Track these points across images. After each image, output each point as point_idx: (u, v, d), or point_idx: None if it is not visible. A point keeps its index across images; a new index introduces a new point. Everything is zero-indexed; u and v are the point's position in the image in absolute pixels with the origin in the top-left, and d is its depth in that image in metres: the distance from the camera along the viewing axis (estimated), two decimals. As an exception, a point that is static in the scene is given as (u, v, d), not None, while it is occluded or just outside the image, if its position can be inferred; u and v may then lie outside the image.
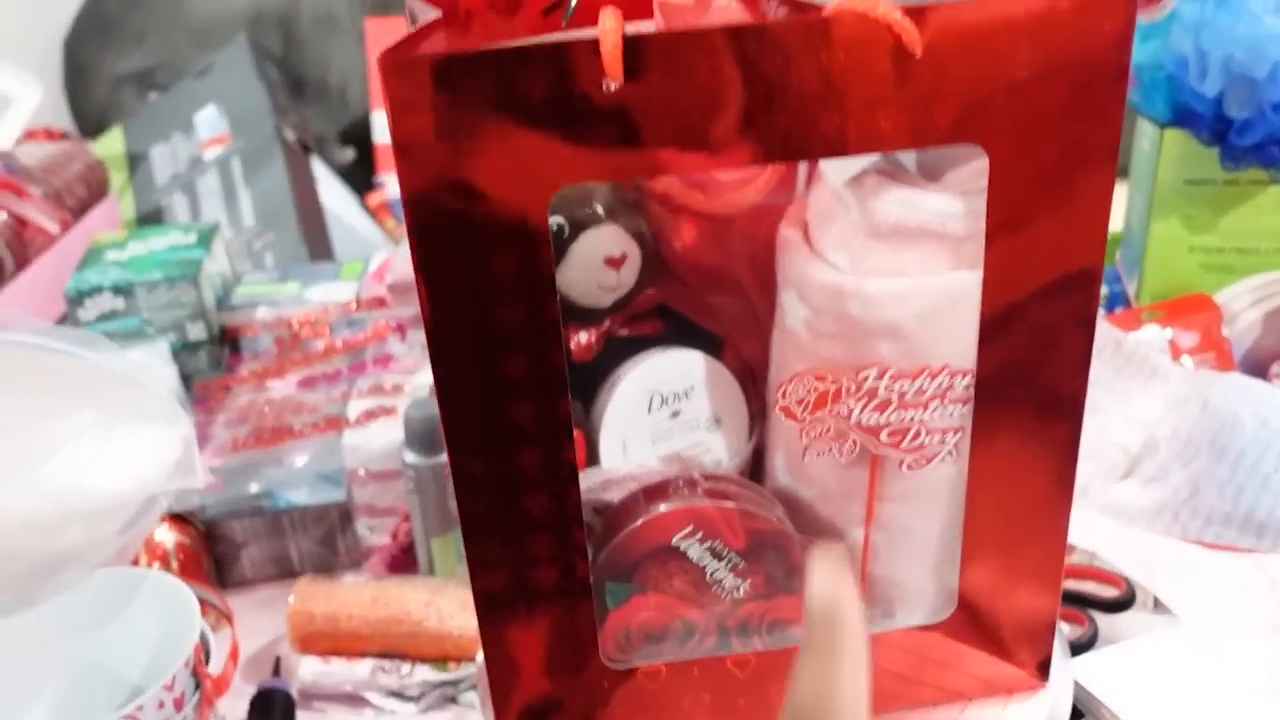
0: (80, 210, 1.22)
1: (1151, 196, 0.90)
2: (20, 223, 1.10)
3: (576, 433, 0.49)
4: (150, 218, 1.36)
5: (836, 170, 0.44)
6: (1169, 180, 0.89)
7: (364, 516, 0.79)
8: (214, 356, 0.89)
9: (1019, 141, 0.39)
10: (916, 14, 0.37)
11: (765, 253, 0.49)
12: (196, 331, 0.87)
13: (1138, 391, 0.78)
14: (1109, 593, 0.66)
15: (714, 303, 0.52)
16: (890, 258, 0.43)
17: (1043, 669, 0.51)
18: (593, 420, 0.49)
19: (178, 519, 0.76)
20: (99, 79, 1.63)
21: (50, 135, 1.45)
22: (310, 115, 1.57)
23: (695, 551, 0.45)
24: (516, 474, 0.43)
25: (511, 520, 0.44)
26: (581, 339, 0.49)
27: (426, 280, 0.39)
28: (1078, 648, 0.62)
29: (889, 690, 0.50)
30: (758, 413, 0.52)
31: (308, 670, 0.70)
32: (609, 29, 0.35)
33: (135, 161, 1.42)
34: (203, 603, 0.68)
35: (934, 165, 0.44)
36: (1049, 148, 0.40)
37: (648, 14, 0.47)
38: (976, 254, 0.41)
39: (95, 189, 1.31)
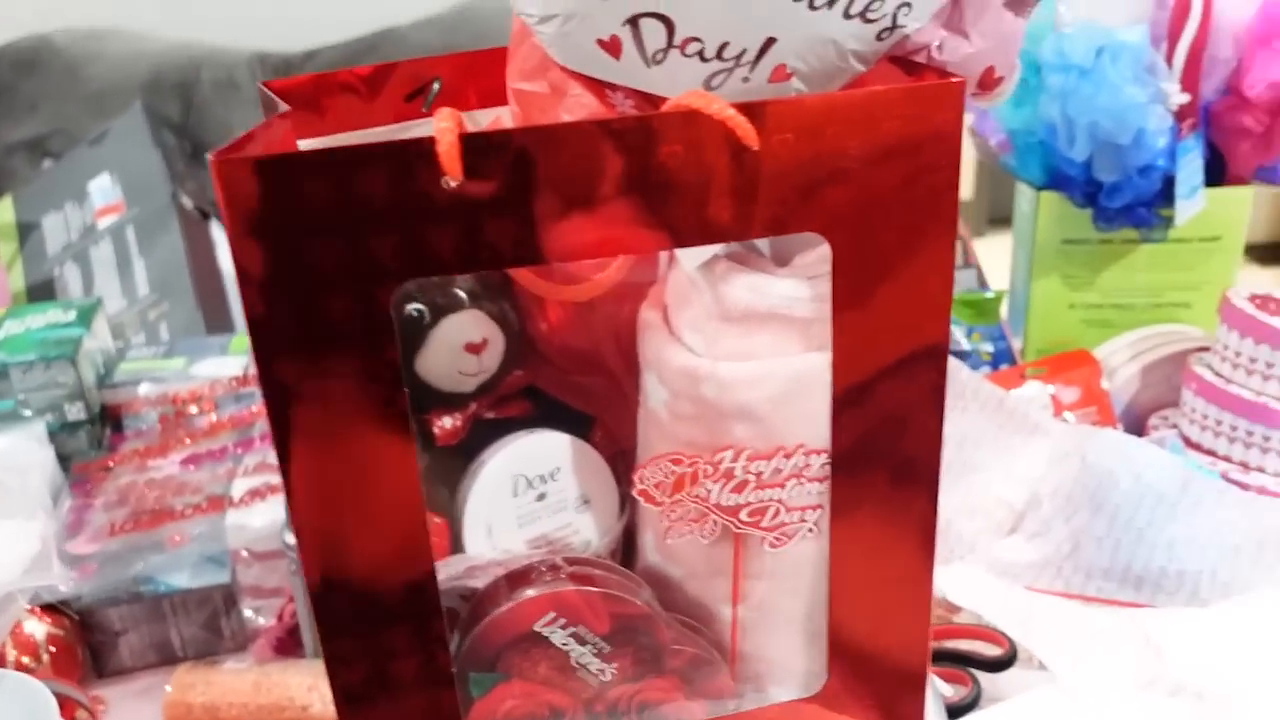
0: (-35, 282, 1.19)
1: (1032, 255, 0.93)
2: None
3: (439, 520, 0.48)
4: (41, 288, 1.33)
5: (691, 254, 0.44)
6: (1047, 240, 0.92)
7: (249, 598, 0.76)
8: (94, 436, 0.86)
9: (858, 227, 0.40)
10: (753, 110, 0.37)
11: (629, 333, 0.49)
12: (75, 411, 0.85)
13: (1020, 448, 0.80)
14: (993, 651, 0.67)
15: (583, 383, 0.52)
16: (742, 341, 0.43)
17: (916, 737, 0.51)
18: (457, 505, 0.48)
19: (49, 609, 0.73)
20: (-10, 146, 1.59)
21: (-60, 207, 1.41)
22: (208, 181, 1.55)
23: (559, 637, 0.45)
24: (371, 580, 0.42)
25: (367, 614, 0.43)
26: (446, 423, 0.49)
27: (265, 380, 0.38)
28: (962, 708, 0.63)
29: (766, 767, 0.50)
30: (627, 492, 0.52)
31: (186, 764, 0.67)
32: (443, 128, 0.35)
33: (26, 231, 1.38)
34: (68, 701, 0.65)
35: (784, 249, 0.45)
36: (887, 232, 0.41)
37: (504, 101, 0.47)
38: (826, 336, 0.42)
39: (-18, 260, 1.27)
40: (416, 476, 0.40)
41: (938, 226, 0.41)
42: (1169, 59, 0.82)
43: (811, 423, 0.43)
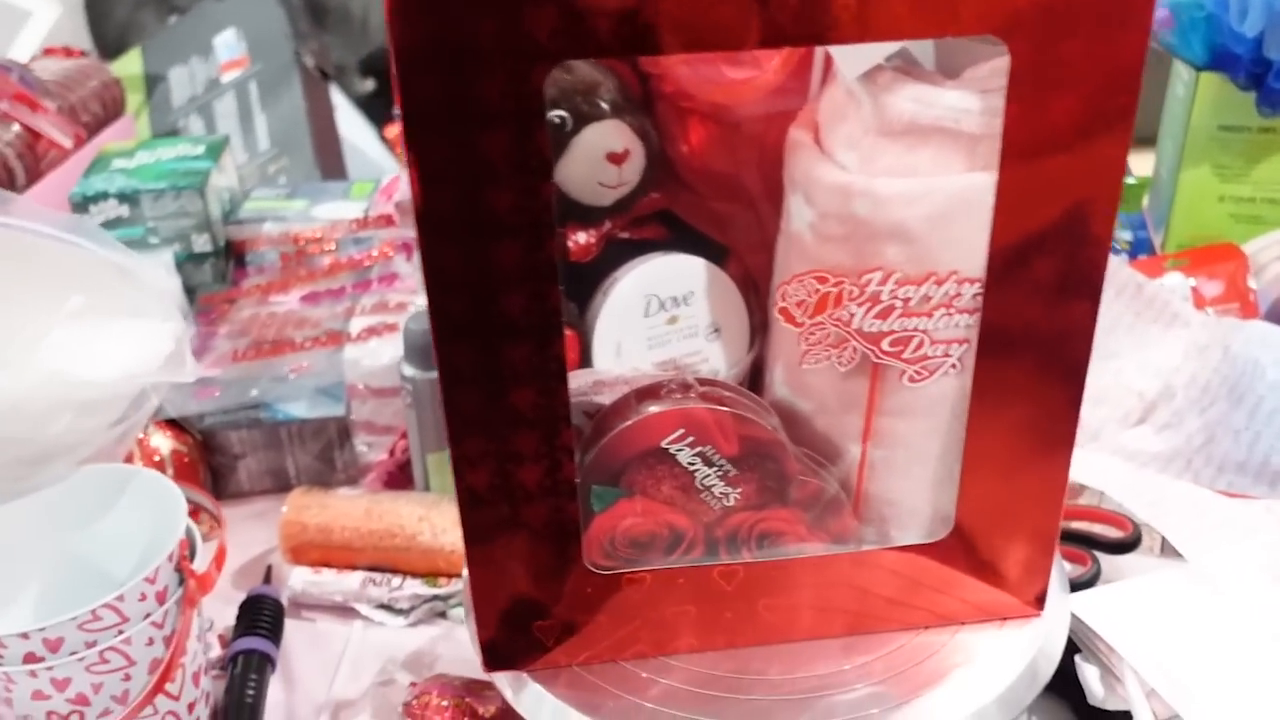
0: (96, 127, 1.21)
1: (1183, 143, 0.87)
2: (34, 135, 1.09)
3: (569, 332, 0.47)
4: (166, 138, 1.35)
5: (850, 65, 0.42)
6: (1202, 126, 0.86)
7: (362, 433, 0.78)
8: (219, 270, 0.88)
9: (1043, 42, 0.37)
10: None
11: (774, 160, 0.47)
12: (202, 243, 0.86)
13: (1157, 338, 0.76)
14: (1114, 534, 0.65)
15: (720, 211, 0.50)
16: (902, 157, 0.41)
17: (1039, 599, 0.50)
18: (588, 321, 0.48)
19: (174, 425, 0.75)
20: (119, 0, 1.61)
21: (69, 54, 1.44)
22: (331, 43, 1.55)
23: (685, 456, 0.44)
24: (503, 367, 0.41)
25: (497, 415, 0.42)
26: (580, 239, 0.48)
27: (417, 158, 0.38)
28: (1078, 586, 0.61)
29: (878, 612, 0.49)
30: (759, 325, 0.50)
31: (298, 579, 0.70)
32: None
33: (153, 83, 1.41)
34: (194, 506, 0.67)
35: (953, 62, 0.42)
36: (1074, 51, 0.38)
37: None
38: (993, 155, 0.39)
39: (111, 107, 1.29)
40: (557, 279, 0.39)
41: (1127, 54, 0.38)
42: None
43: (967, 249, 0.41)
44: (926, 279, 0.42)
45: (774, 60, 0.44)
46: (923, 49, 0.43)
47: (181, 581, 0.55)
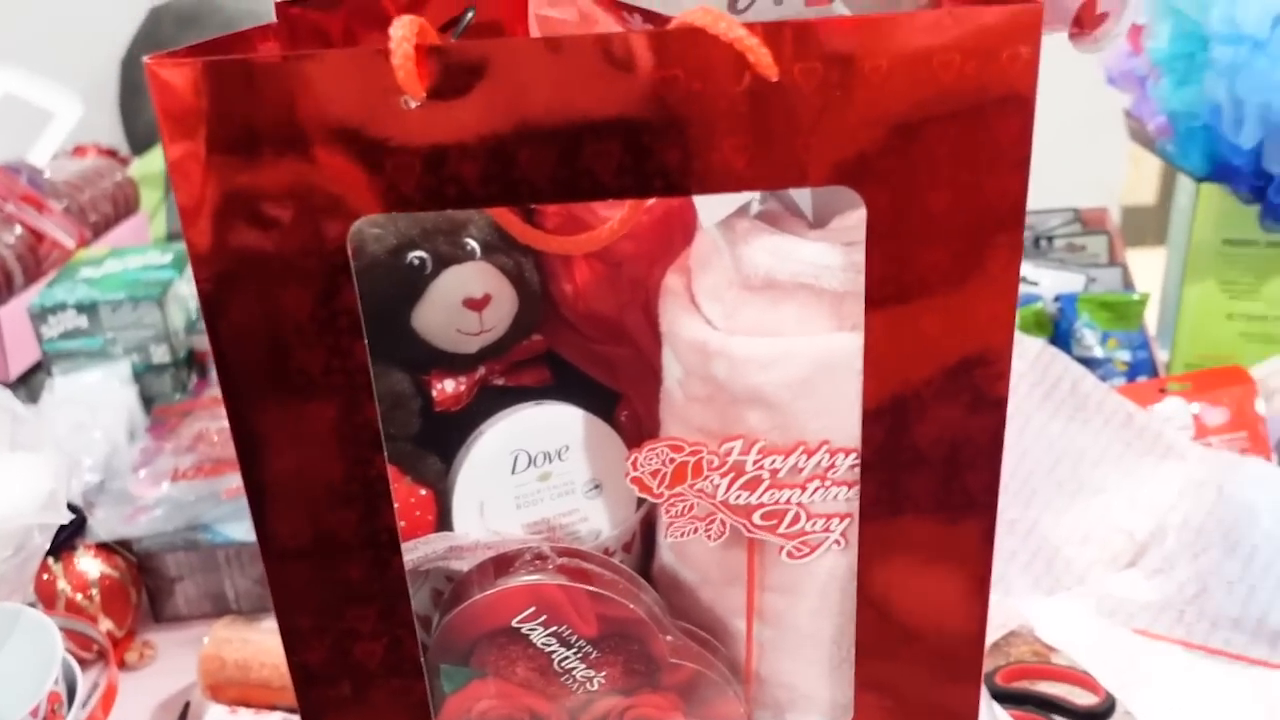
0: (105, 226, 1.22)
1: (1186, 255, 0.82)
2: (36, 237, 1.10)
3: (426, 492, 0.44)
4: (180, 238, 1.36)
5: (708, 210, 0.38)
6: (1206, 240, 0.81)
7: (302, 557, 0.74)
8: (179, 380, 0.86)
9: (902, 192, 0.33)
10: (771, 31, 0.31)
11: (658, 302, 0.43)
12: (160, 354, 0.85)
13: (1149, 472, 0.70)
14: (1086, 699, 0.58)
15: (610, 354, 0.46)
16: (765, 313, 0.37)
17: (963, 798, 0.44)
18: (449, 478, 0.44)
19: (105, 549, 0.73)
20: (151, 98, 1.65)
21: (100, 152, 1.47)
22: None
23: (539, 636, 0.40)
24: (326, 537, 0.38)
25: (326, 589, 0.39)
26: (447, 387, 0.44)
27: (213, 321, 0.35)
28: (1039, 763, 0.55)
29: (778, 810, 0.43)
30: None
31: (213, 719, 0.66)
32: (398, 37, 0.30)
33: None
34: (85, 639, 0.64)
35: (826, 209, 0.38)
36: (936, 193, 0.33)
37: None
38: (860, 314, 0.35)
39: (123, 206, 1.31)
40: (377, 436, 0.36)
41: (1004, 197, 0.34)
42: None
43: (837, 416, 0.36)
44: (795, 449, 0.37)
45: (622, 211, 0.40)
46: (801, 192, 0.40)
47: (50, 736, 0.52)
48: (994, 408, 0.37)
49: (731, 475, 0.38)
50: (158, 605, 0.76)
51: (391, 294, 0.41)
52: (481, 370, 0.45)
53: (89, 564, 0.72)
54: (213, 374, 0.87)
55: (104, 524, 0.73)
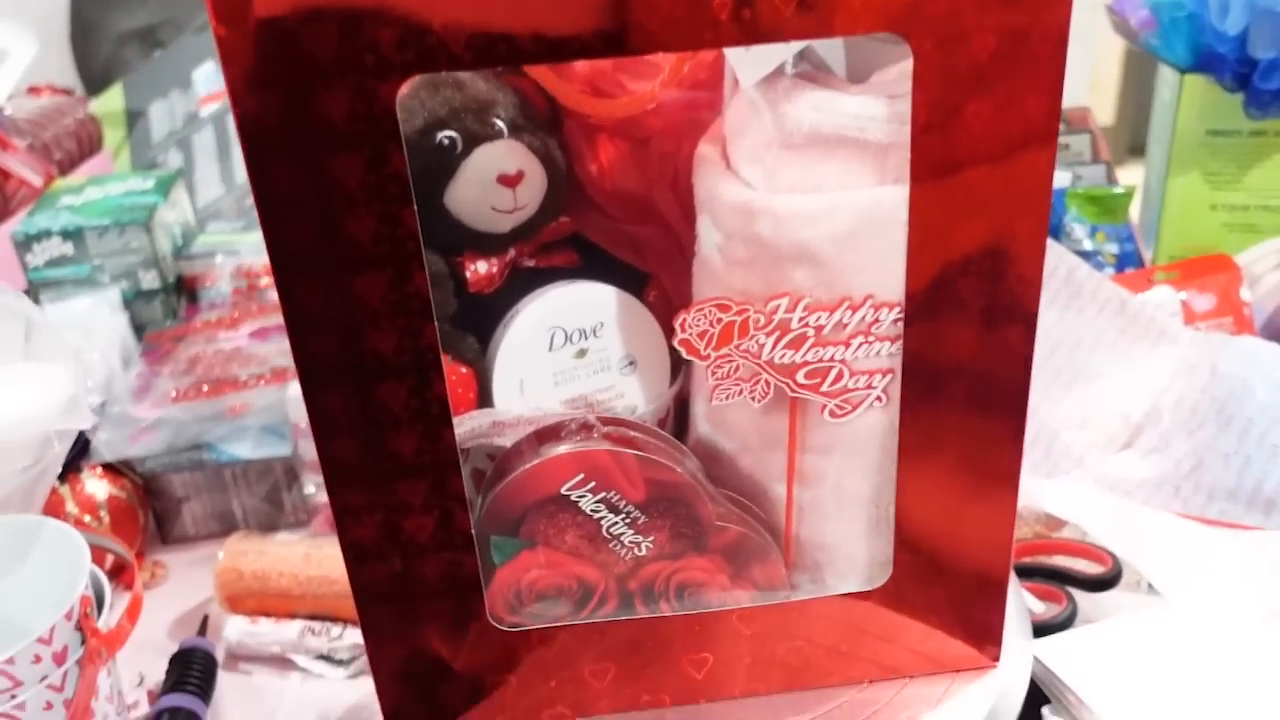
0: (70, 164, 1.20)
1: (1170, 149, 0.83)
2: (3, 175, 1.08)
3: (465, 370, 0.44)
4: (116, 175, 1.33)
5: (747, 71, 0.38)
6: (1189, 131, 0.82)
7: (310, 473, 0.74)
8: (169, 306, 0.85)
9: (949, 38, 0.34)
10: None
11: (688, 178, 0.44)
12: (150, 280, 0.83)
13: (1142, 356, 0.72)
14: (1094, 569, 0.60)
15: (637, 234, 0.47)
16: (807, 171, 0.37)
17: (993, 648, 0.46)
18: (488, 357, 0.44)
19: (111, 470, 0.72)
20: (104, 37, 1.61)
21: (54, 91, 1.43)
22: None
23: (588, 503, 0.40)
24: (378, 412, 0.38)
25: (377, 464, 0.39)
26: (480, 268, 0.44)
27: (260, 190, 0.34)
28: (1053, 627, 0.56)
29: (818, 664, 0.45)
30: (682, 357, 0.46)
31: (234, 630, 0.66)
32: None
33: (133, 118, 1.39)
34: (107, 553, 0.64)
35: (862, 65, 0.38)
36: (984, 45, 0.34)
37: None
38: (904, 167, 0.35)
39: (87, 144, 1.28)
40: (427, 304, 0.36)
41: (1043, 37, 0.34)
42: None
43: (883, 270, 0.37)
44: (840, 304, 0.38)
45: (663, 70, 0.40)
46: (833, 53, 0.40)
47: (84, 640, 0.52)
48: (1029, 263, 0.37)
49: (777, 334, 0.39)
50: (165, 527, 0.76)
51: (423, 174, 0.41)
52: (512, 252, 0.45)
53: (96, 485, 0.71)
54: (204, 300, 0.86)
55: (108, 445, 0.72)
